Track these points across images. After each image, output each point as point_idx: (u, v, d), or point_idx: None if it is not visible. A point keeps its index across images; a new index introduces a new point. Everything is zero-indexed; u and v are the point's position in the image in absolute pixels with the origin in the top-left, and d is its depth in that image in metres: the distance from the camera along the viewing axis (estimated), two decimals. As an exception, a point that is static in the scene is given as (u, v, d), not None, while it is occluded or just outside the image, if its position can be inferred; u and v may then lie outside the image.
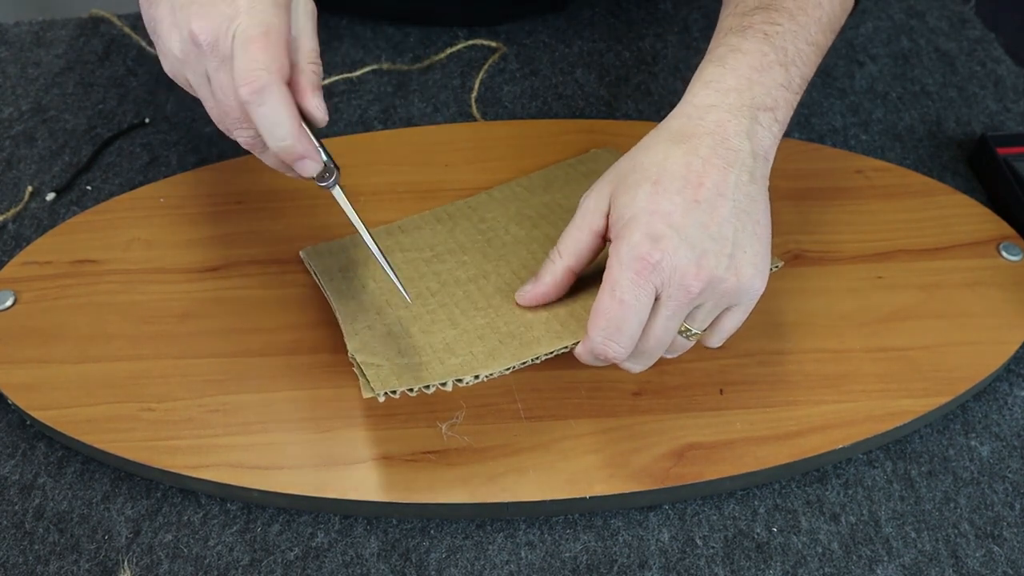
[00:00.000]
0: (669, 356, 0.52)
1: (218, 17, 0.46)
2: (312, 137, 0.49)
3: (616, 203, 0.49)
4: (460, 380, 0.50)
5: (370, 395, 0.49)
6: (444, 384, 0.49)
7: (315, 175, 0.50)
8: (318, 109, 0.49)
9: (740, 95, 0.50)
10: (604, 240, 0.51)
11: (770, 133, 0.51)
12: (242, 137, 0.50)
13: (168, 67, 0.50)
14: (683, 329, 0.50)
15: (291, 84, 0.48)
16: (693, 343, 0.52)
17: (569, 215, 0.55)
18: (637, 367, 0.51)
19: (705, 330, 0.51)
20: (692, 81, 0.52)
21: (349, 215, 0.52)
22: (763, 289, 0.50)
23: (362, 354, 0.52)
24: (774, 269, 0.53)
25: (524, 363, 0.51)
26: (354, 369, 0.51)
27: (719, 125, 0.50)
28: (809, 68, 0.54)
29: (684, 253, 0.47)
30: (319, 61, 0.50)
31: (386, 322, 0.54)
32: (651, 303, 0.48)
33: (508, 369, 0.51)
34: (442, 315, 0.54)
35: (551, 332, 0.52)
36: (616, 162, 0.52)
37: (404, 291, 0.52)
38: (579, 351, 0.51)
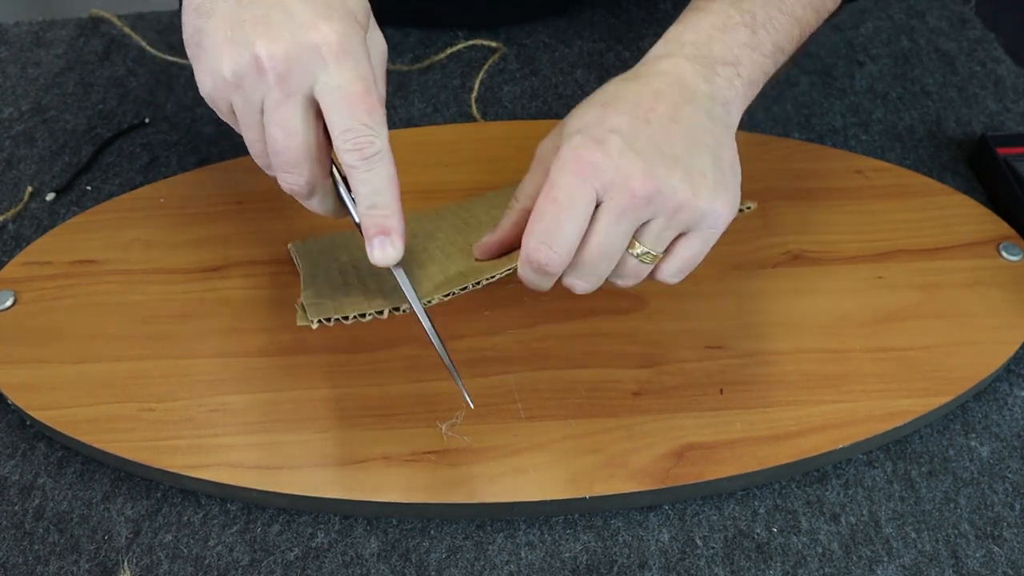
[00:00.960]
0: (622, 283, 0.49)
1: (295, 44, 0.42)
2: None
3: (565, 127, 0.47)
4: (397, 308, 0.49)
5: (304, 323, 0.48)
6: (380, 313, 0.48)
7: (394, 257, 0.47)
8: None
9: (697, 47, 0.49)
10: None
11: (731, 86, 0.49)
12: (290, 182, 0.46)
13: (208, 89, 0.45)
14: (636, 249, 0.47)
15: None
16: (648, 270, 0.48)
17: None
18: (581, 283, 0.47)
19: (661, 257, 0.47)
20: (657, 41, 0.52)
21: (407, 294, 0.49)
22: (726, 215, 0.47)
23: (309, 297, 0.51)
24: (745, 210, 0.52)
25: (464, 288, 0.49)
26: (296, 307, 0.51)
27: (674, 67, 0.48)
28: (783, 36, 0.52)
29: (630, 158, 0.44)
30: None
31: (346, 278, 0.54)
32: (590, 207, 0.45)
33: (447, 295, 0.49)
34: (399, 266, 0.53)
35: (495, 264, 0.51)
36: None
37: (466, 396, 0.50)
38: (519, 267, 0.47)
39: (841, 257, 0.63)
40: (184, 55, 0.82)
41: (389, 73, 0.80)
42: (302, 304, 0.51)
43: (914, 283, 0.62)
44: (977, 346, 0.58)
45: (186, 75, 0.80)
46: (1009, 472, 0.55)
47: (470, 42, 0.83)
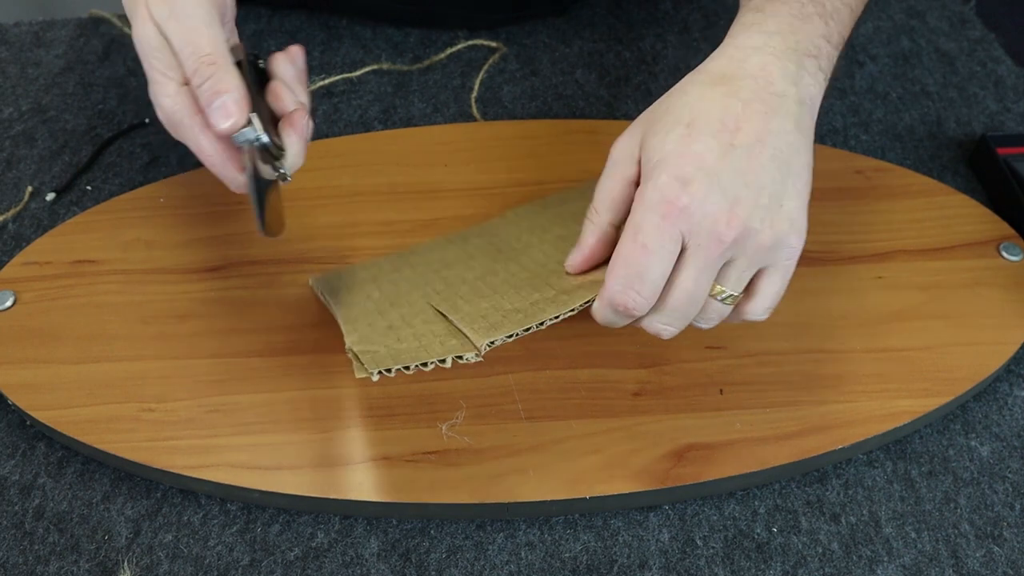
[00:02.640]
0: (704, 325, 0.49)
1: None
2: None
3: (646, 146, 0.46)
4: (460, 357, 0.48)
5: (363, 375, 0.48)
6: (443, 361, 0.47)
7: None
8: (212, 123, 0.49)
9: (784, 38, 0.47)
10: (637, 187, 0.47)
11: (815, 81, 0.48)
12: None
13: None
14: (716, 291, 0.46)
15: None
16: (730, 309, 0.48)
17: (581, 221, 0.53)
18: (668, 328, 0.47)
19: (741, 294, 0.47)
20: (732, 26, 0.50)
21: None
22: (800, 247, 0.47)
23: (359, 344, 0.51)
24: None
25: (528, 329, 0.48)
26: (351, 359, 0.50)
27: (763, 68, 0.46)
28: (845, 28, 0.51)
29: (716, 199, 0.43)
30: (199, 66, 0.48)
31: (388, 319, 0.54)
32: (676, 251, 0.44)
33: (510, 336, 0.48)
34: (445, 307, 0.53)
35: (558, 301, 0.50)
36: (650, 106, 0.49)
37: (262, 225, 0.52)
38: (596, 306, 0.47)
39: (841, 257, 0.63)
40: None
41: (390, 73, 0.81)
42: (353, 352, 0.51)
43: (914, 283, 0.62)
44: (977, 346, 0.58)
45: (186, 75, 0.80)
46: (1009, 472, 0.55)
47: (470, 42, 0.83)
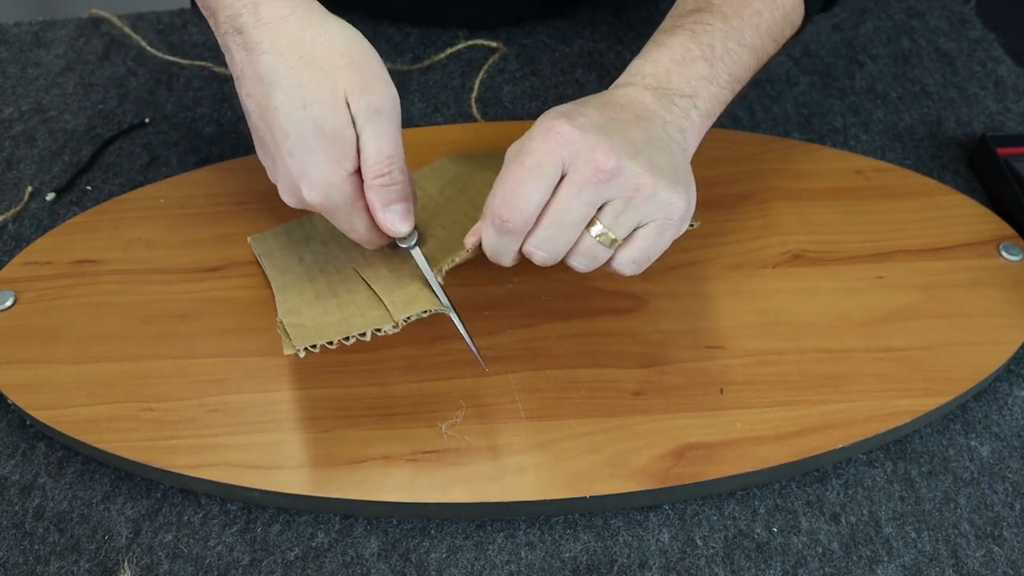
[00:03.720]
0: (579, 264, 0.50)
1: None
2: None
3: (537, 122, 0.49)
4: (379, 329, 0.51)
5: (291, 351, 0.50)
6: (363, 335, 0.50)
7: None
8: (385, 223, 0.51)
9: (657, 79, 0.52)
10: None
11: (686, 116, 0.51)
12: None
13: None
14: (594, 229, 0.48)
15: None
16: (606, 254, 0.49)
17: None
18: (540, 252, 0.49)
19: (619, 244, 0.49)
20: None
21: (426, 274, 0.54)
22: (683, 212, 0.48)
23: (288, 316, 0.54)
24: (692, 226, 0.53)
25: (440, 310, 0.52)
26: (279, 330, 0.53)
27: (635, 95, 0.51)
28: (741, 68, 0.55)
29: (597, 135, 0.46)
30: (390, 171, 0.49)
31: (315, 287, 0.56)
32: (556, 176, 0.47)
33: (425, 312, 0.51)
34: (369, 272, 0.56)
35: (455, 248, 0.53)
36: None
37: (479, 359, 0.55)
38: (483, 231, 0.49)
39: (841, 257, 0.63)
40: (184, 55, 0.82)
41: (390, 73, 0.80)
42: (283, 326, 0.53)
43: (914, 283, 0.62)
44: (977, 346, 0.58)
45: (186, 75, 0.80)
46: (1009, 472, 0.55)
47: (470, 42, 0.83)
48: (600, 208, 0.48)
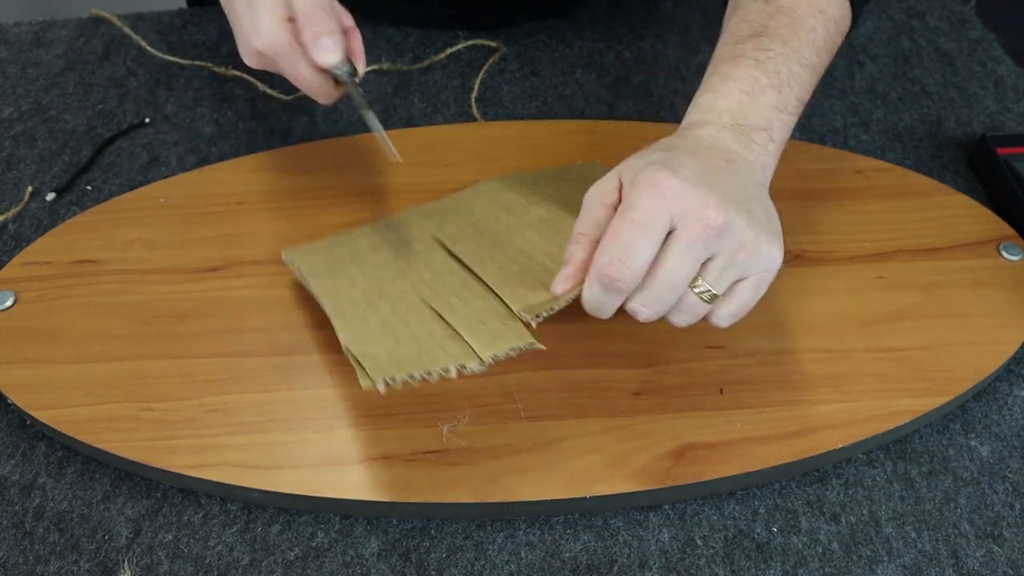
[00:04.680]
0: (679, 320, 0.50)
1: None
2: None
3: (627, 170, 0.48)
4: (463, 366, 0.48)
5: (368, 385, 0.47)
6: (447, 371, 0.47)
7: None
8: (315, 56, 0.56)
9: (732, 116, 0.52)
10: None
11: (765, 151, 0.52)
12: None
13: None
14: (697, 285, 0.47)
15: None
16: (706, 309, 0.49)
17: (563, 201, 0.59)
18: (646, 310, 0.48)
19: (718, 297, 0.48)
20: (690, 106, 0.54)
21: (357, 106, 0.60)
22: (779, 264, 0.48)
23: (356, 345, 0.50)
24: None
25: (531, 345, 0.49)
26: (351, 360, 0.50)
27: (717, 134, 0.51)
28: (805, 89, 0.55)
29: (704, 189, 0.46)
30: (313, 12, 0.56)
31: (379, 314, 0.53)
32: (665, 230, 0.46)
33: (514, 350, 0.49)
34: (438, 303, 0.53)
35: (551, 299, 0.50)
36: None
37: (394, 150, 0.58)
38: (586, 285, 0.48)
39: (841, 257, 0.63)
40: (184, 55, 0.82)
41: (390, 73, 0.81)
42: (353, 356, 0.50)
43: (914, 283, 0.62)
44: (977, 346, 0.58)
45: (186, 75, 0.80)
46: (1009, 472, 0.55)
47: (470, 42, 0.83)
48: (704, 263, 0.47)
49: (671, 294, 0.47)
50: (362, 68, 0.60)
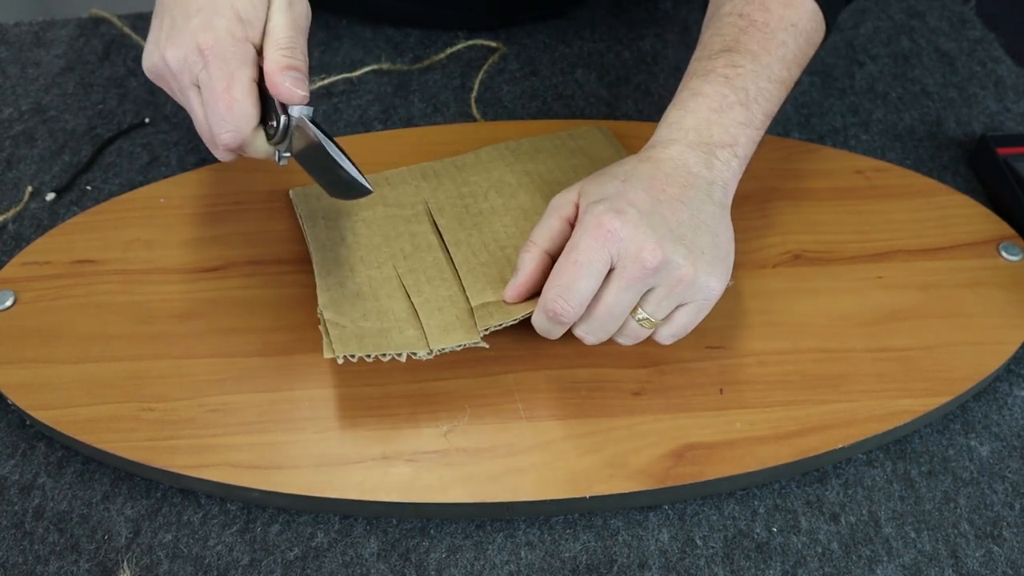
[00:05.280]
0: (624, 341, 0.54)
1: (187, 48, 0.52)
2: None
3: (585, 192, 0.53)
4: (414, 353, 0.53)
5: (330, 355, 0.52)
6: (399, 355, 0.53)
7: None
8: (281, 85, 0.51)
9: (699, 133, 0.54)
10: (573, 227, 0.52)
11: (728, 167, 0.54)
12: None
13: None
14: (636, 313, 0.52)
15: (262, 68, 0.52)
16: (647, 333, 0.53)
17: (549, 187, 0.62)
18: (590, 337, 0.53)
19: (659, 321, 0.52)
20: (660, 123, 0.56)
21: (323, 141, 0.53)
22: (719, 292, 0.52)
23: (329, 311, 0.55)
24: (729, 284, 0.54)
25: (476, 343, 0.54)
26: (319, 326, 0.54)
27: (679, 155, 0.53)
28: (772, 103, 0.57)
29: (644, 230, 0.49)
30: (292, 46, 0.52)
31: (356, 281, 0.58)
32: (604, 270, 0.50)
33: (460, 346, 0.53)
34: (409, 280, 0.58)
35: (504, 310, 0.55)
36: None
37: (365, 181, 0.54)
38: (535, 313, 0.53)
39: (841, 257, 0.63)
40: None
41: (390, 73, 0.81)
42: (324, 321, 0.55)
43: (914, 283, 0.62)
44: (977, 346, 0.58)
45: (186, 75, 0.80)
46: (1009, 472, 0.55)
47: (470, 42, 0.83)
48: (645, 294, 0.51)
49: (612, 323, 0.52)
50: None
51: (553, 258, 0.53)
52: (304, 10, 0.54)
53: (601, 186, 0.52)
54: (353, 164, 0.53)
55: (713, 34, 0.58)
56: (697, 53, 0.59)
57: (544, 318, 0.52)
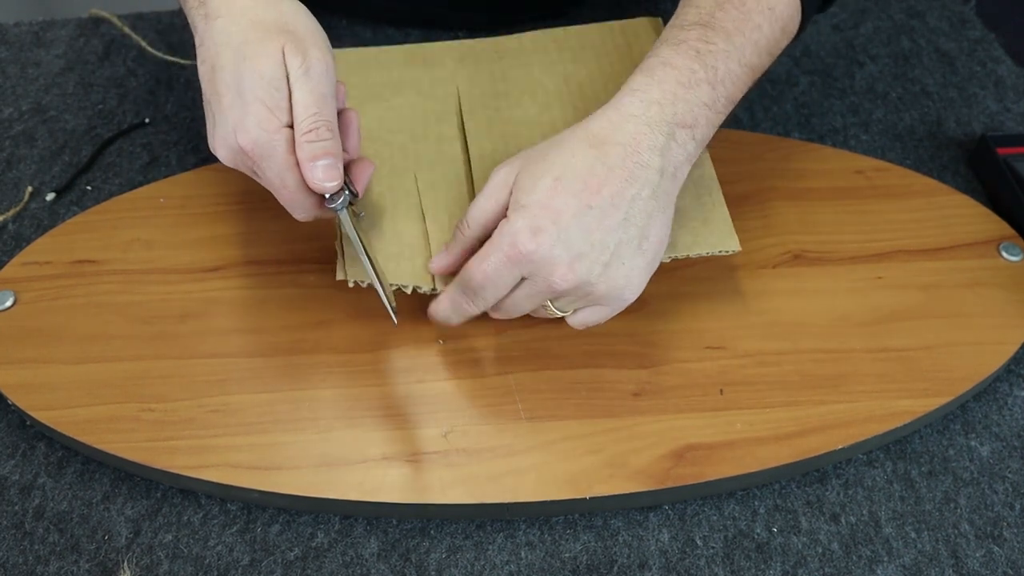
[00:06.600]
0: (534, 315, 0.56)
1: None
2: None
3: (518, 184, 0.52)
4: (419, 287, 0.55)
5: (342, 278, 0.55)
6: (405, 287, 0.55)
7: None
8: (311, 178, 0.50)
9: (662, 108, 0.52)
10: (505, 212, 0.52)
11: (684, 150, 0.53)
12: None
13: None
14: (546, 306, 0.53)
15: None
16: (557, 316, 0.54)
17: (584, 103, 0.62)
18: (495, 314, 0.55)
19: (569, 314, 0.54)
20: (622, 86, 0.54)
21: (351, 237, 0.53)
22: (633, 299, 0.53)
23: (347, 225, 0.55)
24: (665, 260, 0.54)
25: (419, 288, 0.55)
26: (336, 243, 0.56)
27: (634, 137, 0.51)
28: (738, 89, 0.55)
29: (559, 252, 0.49)
30: (316, 127, 0.50)
31: (379, 185, 0.59)
32: (513, 283, 0.51)
33: (405, 286, 0.55)
34: (428, 199, 0.59)
35: (426, 276, 0.56)
36: (530, 149, 0.54)
37: (392, 312, 0.54)
38: (439, 300, 0.55)
39: (841, 257, 0.63)
40: (184, 55, 0.82)
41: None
42: (340, 238, 0.56)
43: (914, 283, 0.62)
44: (977, 346, 0.58)
45: (186, 75, 0.80)
46: (1009, 472, 0.55)
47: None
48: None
49: (518, 313, 0.54)
50: (362, 192, 0.54)
51: (482, 241, 0.52)
52: (323, 70, 0.51)
53: (535, 180, 0.51)
54: (381, 284, 0.53)
55: (688, 4, 0.57)
56: (672, 20, 0.57)
57: (448, 306, 0.54)
